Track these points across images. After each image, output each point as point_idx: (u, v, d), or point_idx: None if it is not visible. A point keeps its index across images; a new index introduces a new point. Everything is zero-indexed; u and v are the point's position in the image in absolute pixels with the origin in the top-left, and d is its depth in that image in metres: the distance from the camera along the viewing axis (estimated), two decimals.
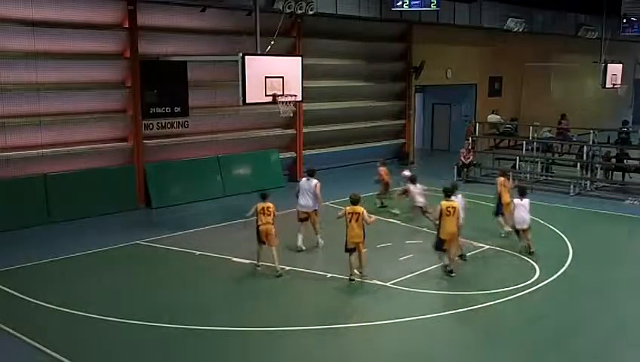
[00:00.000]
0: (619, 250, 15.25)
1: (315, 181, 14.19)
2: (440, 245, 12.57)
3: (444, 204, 12.47)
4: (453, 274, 12.61)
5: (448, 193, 12.70)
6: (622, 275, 13.28)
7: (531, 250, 13.93)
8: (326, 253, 13.58)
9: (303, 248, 14.11)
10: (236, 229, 15.18)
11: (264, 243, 12.77)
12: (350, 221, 12.00)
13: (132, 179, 18.31)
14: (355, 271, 12.34)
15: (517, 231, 14.17)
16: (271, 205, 12.78)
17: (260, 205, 12.77)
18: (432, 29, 25.41)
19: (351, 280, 12.27)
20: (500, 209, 15.37)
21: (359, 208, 12.08)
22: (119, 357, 9.48)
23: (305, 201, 14.14)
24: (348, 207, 12.15)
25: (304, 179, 14.56)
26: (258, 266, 12.99)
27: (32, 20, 16.29)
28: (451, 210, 12.35)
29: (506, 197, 15.16)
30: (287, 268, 13.03)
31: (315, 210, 14.26)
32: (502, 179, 15.62)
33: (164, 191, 18.78)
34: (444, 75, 28.45)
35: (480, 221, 17.00)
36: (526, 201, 13.93)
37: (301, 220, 14.27)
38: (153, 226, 16.39)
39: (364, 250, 12.38)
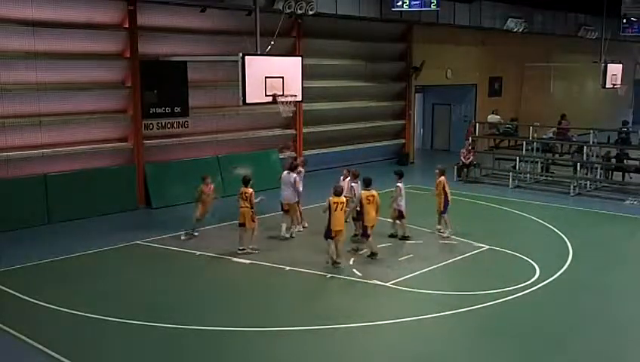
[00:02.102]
0: (619, 250, 15.22)
1: (294, 175, 15.08)
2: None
3: (364, 193, 13.44)
4: (375, 258, 13.47)
5: (367, 184, 13.62)
6: (622, 275, 13.29)
7: (406, 235, 14.97)
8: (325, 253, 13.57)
9: (287, 236, 14.99)
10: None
11: (242, 225, 13.74)
12: (335, 210, 12.88)
13: (132, 179, 18.31)
14: (335, 258, 13.02)
15: (401, 214, 14.82)
16: (248, 190, 13.70)
17: (241, 189, 13.80)
18: (432, 29, 25.42)
19: (333, 263, 13.01)
20: (446, 208, 15.31)
21: (342, 198, 13.10)
22: (119, 357, 9.48)
23: (284, 193, 15.03)
24: (332, 198, 13.00)
25: (285, 172, 15.28)
26: (240, 250, 13.86)
27: (32, 20, 16.29)
28: (371, 199, 13.39)
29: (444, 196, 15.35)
30: (287, 268, 13.08)
31: (297, 202, 15.32)
32: (443, 178, 15.42)
33: (164, 191, 18.76)
34: (444, 75, 28.45)
35: (480, 221, 17.04)
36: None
37: (285, 211, 15.23)
38: (153, 226, 16.37)
39: (342, 239, 13.21)
